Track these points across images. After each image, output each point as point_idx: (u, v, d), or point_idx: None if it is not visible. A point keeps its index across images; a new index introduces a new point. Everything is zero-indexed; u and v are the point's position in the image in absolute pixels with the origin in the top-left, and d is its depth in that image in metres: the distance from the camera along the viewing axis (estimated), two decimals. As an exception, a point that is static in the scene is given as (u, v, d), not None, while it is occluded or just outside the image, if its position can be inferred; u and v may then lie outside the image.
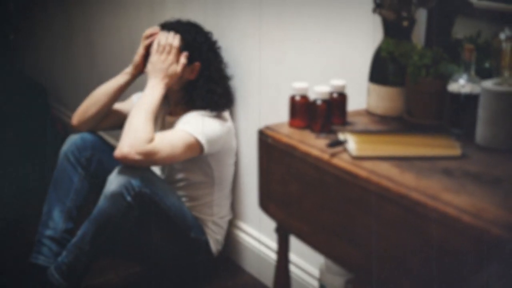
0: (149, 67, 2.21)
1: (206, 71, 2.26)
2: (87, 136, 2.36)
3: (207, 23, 2.37)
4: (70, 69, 3.80)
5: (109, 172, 2.13)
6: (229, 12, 2.35)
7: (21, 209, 2.89)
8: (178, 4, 2.65)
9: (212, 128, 2.19)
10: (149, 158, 2.06)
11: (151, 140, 2.06)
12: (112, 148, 2.41)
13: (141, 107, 2.12)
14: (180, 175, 2.31)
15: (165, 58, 2.19)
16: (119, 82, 2.34)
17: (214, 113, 2.23)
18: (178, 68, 2.20)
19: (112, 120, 2.40)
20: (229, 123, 2.28)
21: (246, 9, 2.25)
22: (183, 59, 2.21)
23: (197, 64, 2.24)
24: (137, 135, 2.05)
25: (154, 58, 2.20)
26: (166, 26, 2.27)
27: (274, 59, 2.16)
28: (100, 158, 2.35)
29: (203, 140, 2.15)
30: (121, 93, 2.36)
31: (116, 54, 3.23)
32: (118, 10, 3.14)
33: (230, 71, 2.35)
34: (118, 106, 2.42)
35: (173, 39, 2.22)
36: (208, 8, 2.44)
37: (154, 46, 2.22)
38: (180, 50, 2.21)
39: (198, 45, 2.25)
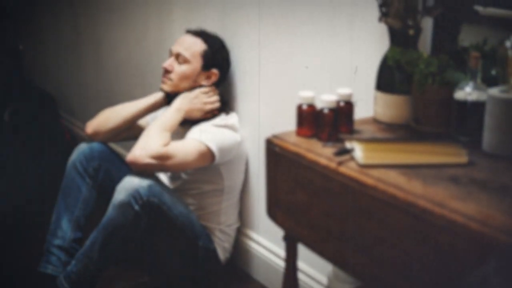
0: (185, 94, 2.28)
1: (219, 82, 2.33)
2: (95, 146, 2.37)
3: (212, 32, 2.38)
4: (79, 79, 3.82)
5: (116, 182, 2.14)
6: (234, 21, 2.36)
7: (29, 218, 2.90)
8: (185, 16, 2.67)
9: (223, 137, 2.22)
10: (161, 162, 2.09)
11: (164, 145, 2.09)
12: (120, 158, 2.42)
13: (160, 124, 2.18)
14: (191, 185, 2.33)
15: (203, 102, 2.27)
16: (148, 103, 2.38)
17: (225, 123, 2.25)
18: (204, 107, 2.28)
19: (125, 134, 2.43)
20: (240, 133, 2.31)
21: (251, 18, 2.27)
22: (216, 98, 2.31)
23: (214, 72, 2.30)
24: (150, 140, 2.10)
25: (198, 93, 2.27)
26: (193, 31, 2.35)
27: (280, 68, 2.17)
28: (108, 168, 2.36)
29: (214, 149, 2.17)
30: (147, 113, 2.39)
31: (124, 65, 3.25)
32: (126, 21, 3.16)
33: (234, 78, 2.38)
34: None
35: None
36: (214, 19, 2.46)
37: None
38: (202, 55, 2.29)
39: (220, 55, 2.32)
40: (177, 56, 2.30)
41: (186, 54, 2.28)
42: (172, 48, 2.33)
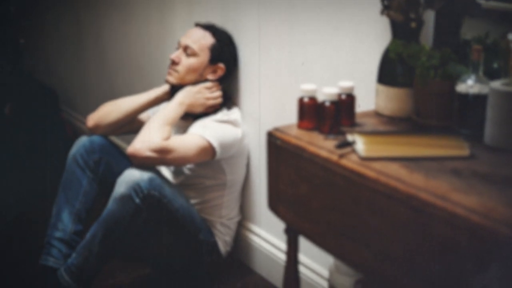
0: (188, 88, 2.27)
1: (224, 77, 2.33)
2: (95, 138, 2.37)
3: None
4: (80, 72, 3.82)
5: (117, 175, 2.14)
6: (235, 16, 2.36)
7: (30, 211, 2.90)
8: (187, 9, 2.66)
9: (225, 133, 2.22)
10: (162, 155, 2.08)
11: (165, 139, 2.10)
12: (121, 151, 2.42)
13: (162, 117, 2.18)
14: (194, 180, 2.33)
15: (206, 97, 2.27)
16: (150, 98, 2.38)
17: (227, 119, 2.25)
18: (206, 102, 2.27)
19: (126, 128, 2.43)
20: (242, 128, 2.31)
21: (252, 13, 2.26)
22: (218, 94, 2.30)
23: (221, 66, 2.30)
24: (151, 133, 2.10)
25: (201, 88, 2.27)
26: (202, 24, 2.35)
27: (282, 61, 2.17)
28: (109, 161, 2.36)
29: (215, 144, 2.17)
30: (148, 108, 2.39)
31: (125, 58, 3.24)
32: (128, 14, 3.16)
33: (236, 73, 2.38)
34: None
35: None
36: (216, 13, 2.45)
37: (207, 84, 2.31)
38: (210, 49, 2.29)
39: (228, 50, 2.32)
40: (185, 48, 2.30)
41: (194, 46, 2.28)
42: (181, 40, 2.33)
